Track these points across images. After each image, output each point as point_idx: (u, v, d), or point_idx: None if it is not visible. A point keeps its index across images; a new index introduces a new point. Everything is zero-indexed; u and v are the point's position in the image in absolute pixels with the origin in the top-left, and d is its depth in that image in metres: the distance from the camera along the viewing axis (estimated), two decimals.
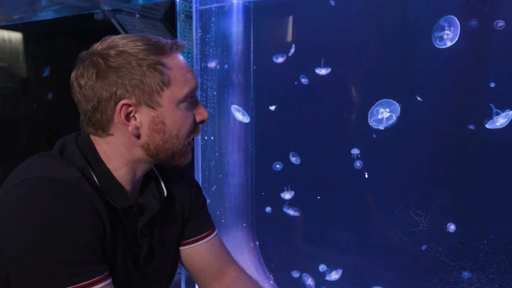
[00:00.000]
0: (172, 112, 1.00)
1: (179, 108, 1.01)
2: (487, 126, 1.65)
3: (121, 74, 0.95)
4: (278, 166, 2.16)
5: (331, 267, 2.09)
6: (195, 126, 1.06)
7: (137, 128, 0.99)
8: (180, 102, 1.00)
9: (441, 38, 1.65)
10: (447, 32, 1.62)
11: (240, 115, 2.22)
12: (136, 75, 0.95)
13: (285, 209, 2.15)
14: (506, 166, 1.73)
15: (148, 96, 0.97)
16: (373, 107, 1.82)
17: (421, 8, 1.83)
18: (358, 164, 1.92)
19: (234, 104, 2.25)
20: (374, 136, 1.87)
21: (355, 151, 1.93)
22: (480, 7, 1.63)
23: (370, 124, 1.83)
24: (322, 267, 2.10)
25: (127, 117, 0.98)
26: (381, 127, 1.80)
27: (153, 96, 0.97)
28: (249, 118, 2.24)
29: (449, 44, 1.67)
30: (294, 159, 2.10)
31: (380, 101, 1.81)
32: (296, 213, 2.15)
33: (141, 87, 0.96)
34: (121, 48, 0.96)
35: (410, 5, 1.87)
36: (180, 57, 1.03)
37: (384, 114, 1.77)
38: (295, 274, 2.20)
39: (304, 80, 2.02)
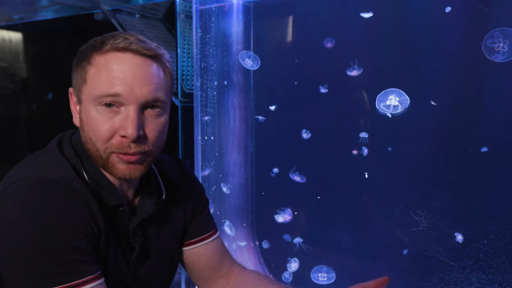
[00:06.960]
0: (88, 112, 0.97)
1: (96, 110, 0.95)
2: None
3: (73, 67, 1.01)
4: (275, 170, 2.15)
5: (292, 259, 2.09)
6: (117, 138, 0.95)
7: (80, 119, 1.01)
8: (94, 103, 0.95)
9: (493, 49, 1.58)
10: (501, 45, 1.57)
11: (250, 61, 2.08)
12: (74, 69, 1.01)
13: (290, 175, 2.13)
14: (506, 166, 1.73)
15: (77, 89, 1.00)
16: (383, 92, 1.78)
17: (423, 8, 1.83)
18: (366, 150, 1.90)
19: (234, 101, 2.25)
20: (390, 149, 1.86)
21: (363, 134, 1.91)
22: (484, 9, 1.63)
23: (378, 108, 1.79)
24: (297, 240, 2.10)
25: (76, 108, 1.02)
26: (389, 114, 1.77)
27: (79, 91, 0.99)
28: (259, 63, 2.10)
29: (501, 56, 1.58)
30: (304, 135, 2.01)
31: (391, 89, 1.77)
32: (301, 179, 2.11)
33: (74, 81, 1.01)
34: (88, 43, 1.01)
35: (410, 5, 1.87)
36: (123, 59, 0.94)
37: (392, 102, 1.74)
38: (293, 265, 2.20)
39: (323, 90, 2.01)
